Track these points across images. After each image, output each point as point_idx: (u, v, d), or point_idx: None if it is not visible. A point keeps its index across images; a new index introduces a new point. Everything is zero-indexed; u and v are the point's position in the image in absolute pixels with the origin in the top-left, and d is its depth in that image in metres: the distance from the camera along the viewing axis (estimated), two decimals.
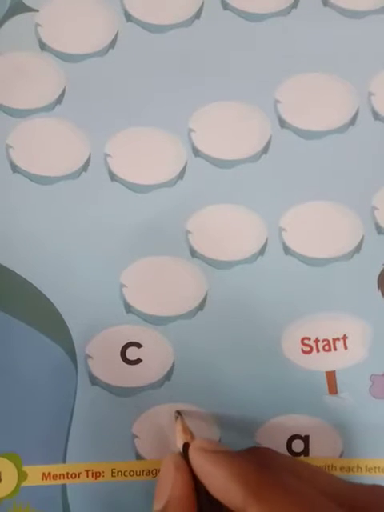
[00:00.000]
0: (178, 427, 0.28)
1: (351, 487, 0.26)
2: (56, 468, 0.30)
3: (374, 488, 0.26)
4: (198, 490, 0.25)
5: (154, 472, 0.31)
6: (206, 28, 0.33)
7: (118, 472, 0.31)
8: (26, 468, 0.30)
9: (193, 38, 0.33)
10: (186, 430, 0.27)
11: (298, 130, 0.33)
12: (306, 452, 0.31)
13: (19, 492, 0.30)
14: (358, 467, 0.31)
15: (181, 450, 0.26)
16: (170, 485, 0.25)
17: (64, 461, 0.31)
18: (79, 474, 0.30)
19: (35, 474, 0.30)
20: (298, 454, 0.31)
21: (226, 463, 0.24)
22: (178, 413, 0.29)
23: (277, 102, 0.33)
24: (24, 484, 0.30)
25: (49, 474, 0.30)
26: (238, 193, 0.32)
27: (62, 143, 0.32)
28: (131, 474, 0.31)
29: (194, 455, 0.25)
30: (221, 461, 0.24)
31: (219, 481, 0.24)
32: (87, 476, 0.30)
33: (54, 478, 0.30)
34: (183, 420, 0.28)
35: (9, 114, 0.33)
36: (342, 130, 0.33)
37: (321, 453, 0.31)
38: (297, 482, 0.24)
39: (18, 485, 0.30)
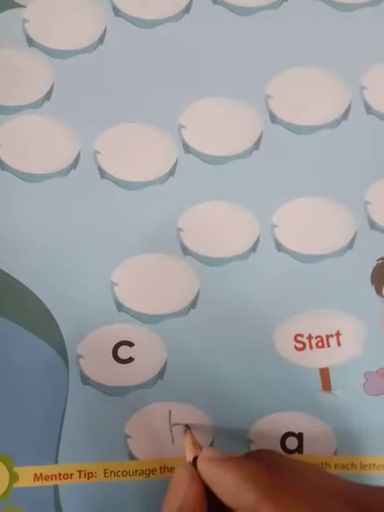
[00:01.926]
0: (188, 440, 0.28)
1: (356, 486, 0.26)
2: (48, 469, 0.31)
3: (380, 489, 0.26)
4: (210, 503, 0.25)
5: (148, 472, 0.31)
6: (196, 22, 0.34)
7: (110, 472, 0.31)
8: (17, 469, 0.31)
9: (182, 32, 0.34)
10: (196, 443, 0.28)
11: (290, 126, 0.33)
12: (299, 449, 0.31)
13: (11, 493, 0.31)
14: (352, 464, 0.31)
15: (191, 463, 0.27)
16: (182, 494, 0.26)
17: (56, 461, 0.31)
18: (71, 474, 0.31)
19: (27, 475, 0.31)
20: (292, 452, 0.31)
21: (235, 467, 0.25)
22: (187, 426, 0.29)
23: (268, 97, 0.33)
24: (15, 485, 0.31)
25: (40, 474, 0.31)
26: (229, 189, 0.33)
27: (51, 140, 0.33)
28: (124, 474, 0.31)
29: (202, 464, 0.26)
30: (229, 466, 0.25)
31: (230, 484, 0.24)
32: (79, 477, 0.31)
33: (45, 479, 0.31)
34: (192, 434, 0.29)
35: None
36: (334, 124, 0.33)
37: (315, 450, 0.31)
38: (305, 481, 0.25)
39: (9, 486, 0.31)
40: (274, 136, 0.33)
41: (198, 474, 0.26)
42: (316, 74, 0.33)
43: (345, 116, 0.33)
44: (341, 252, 0.32)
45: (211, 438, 0.31)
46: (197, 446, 0.28)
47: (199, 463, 0.26)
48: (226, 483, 0.24)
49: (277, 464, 0.26)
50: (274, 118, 0.33)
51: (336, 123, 0.33)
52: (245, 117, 0.33)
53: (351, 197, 0.33)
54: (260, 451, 0.29)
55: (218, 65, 0.33)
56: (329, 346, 0.32)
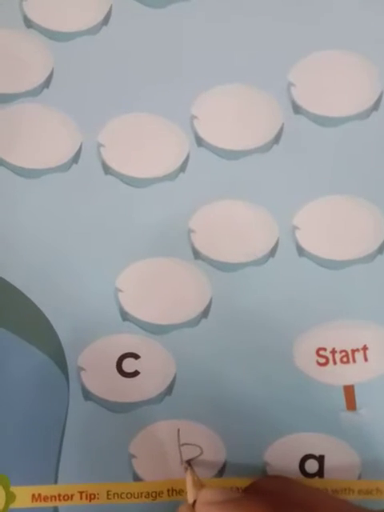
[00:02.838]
0: (189, 480, 0.28)
1: None
2: (47, 489, 0.30)
3: None
4: None
5: (154, 495, 0.30)
6: (211, 1, 0.32)
7: (114, 494, 0.30)
8: (14, 489, 0.30)
9: (195, 12, 0.33)
10: (197, 483, 0.27)
11: (314, 117, 0.32)
12: (320, 473, 0.30)
13: None
14: (377, 490, 0.30)
15: (192, 506, 0.26)
16: None
17: (55, 481, 0.30)
18: (72, 495, 0.30)
19: (24, 496, 0.30)
20: (312, 476, 0.30)
21: None
22: (188, 463, 0.29)
23: (290, 84, 0.32)
24: (12, 506, 0.30)
25: (39, 495, 0.30)
26: (246, 187, 0.32)
27: (50, 132, 0.32)
28: (128, 496, 0.30)
29: (200, 509, 0.25)
30: (229, 510, 0.24)
31: None
32: (81, 498, 0.30)
33: (44, 500, 0.30)
34: (193, 472, 0.28)
35: None
36: (363, 115, 0.32)
37: (337, 474, 0.30)
38: None
39: (5, 507, 0.30)
40: (296, 128, 0.32)
41: None
42: (344, 60, 0.32)
43: (375, 106, 0.32)
44: (370, 258, 0.31)
45: (223, 459, 0.30)
46: (198, 486, 0.27)
47: (198, 508, 0.25)
48: None
49: (284, 500, 0.26)
50: (296, 109, 0.32)
51: (366, 114, 0.32)
52: (264, 107, 0.32)
53: (382, 196, 0.31)
54: (268, 481, 0.29)
55: (234, 48, 0.32)
56: (354, 361, 0.31)
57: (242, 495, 0.26)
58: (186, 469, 0.28)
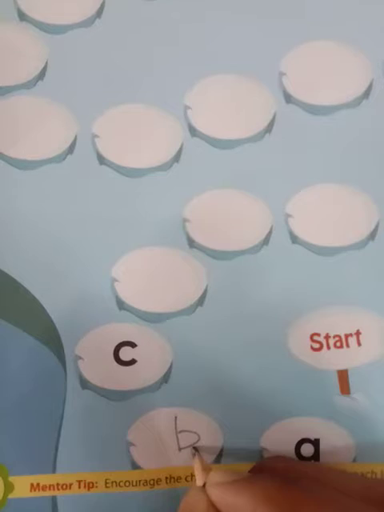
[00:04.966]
0: (197, 465, 0.27)
1: (379, 482, 0.27)
2: (45, 478, 0.30)
3: None
4: None
5: (152, 482, 0.30)
6: None
7: (112, 482, 0.30)
8: (12, 478, 0.30)
9: (188, 3, 0.32)
10: (206, 467, 0.27)
11: (306, 106, 0.32)
12: (316, 457, 0.31)
13: (6, 505, 0.30)
14: (372, 473, 0.30)
15: (203, 489, 0.26)
16: None
17: (54, 470, 0.30)
18: (70, 484, 0.30)
19: (23, 485, 0.30)
20: (308, 459, 0.31)
21: (248, 490, 0.24)
22: (195, 449, 0.29)
23: (282, 74, 0.32)
24: (11, 496, 0.30)
25: (38, 484, 0.30)
26: (239, 176, 0.32)
27: (45, 123, 0.32)
28: (127, 484, 0.30)
29: (213, 491, 0.25)
30: (242, 489, 0.24)
31: (246, 508, 0.24)
32: (79, 487, 0.30)
33: (43, 489, 0.30)
34: (201, 457, 0.28)
35: None
36: (354, 104, 0.32)
37: (332, 458, 0.31)
38: (324, 488, 0.25)
39: (4, 497, 0.30)
40: (288, 117, 0.32)
41: (212, 504, 0.25)
42: (335, 49, 0.32)
43: (366, 95, 0.32)
44: (362, 244, 0.31)
45: (221, 445, 0.30)
46: (207, 469, 0.27)
47: (209, 489, 0.25)
48: (242, 509, 0.24)
49: (292, 473, 0.26)
50: (288, 98, 0.32)
51: (356, 103, 0.32)
52: (256, 96, 0.32)
53: (373, 184, 0.31)
54: (270, 461, 0.29)
55: (227, 39, 0.32)
56: (348, 346, 0.31)
57: (251, 474, 0.26)
58: (194, 454, 0.28)
